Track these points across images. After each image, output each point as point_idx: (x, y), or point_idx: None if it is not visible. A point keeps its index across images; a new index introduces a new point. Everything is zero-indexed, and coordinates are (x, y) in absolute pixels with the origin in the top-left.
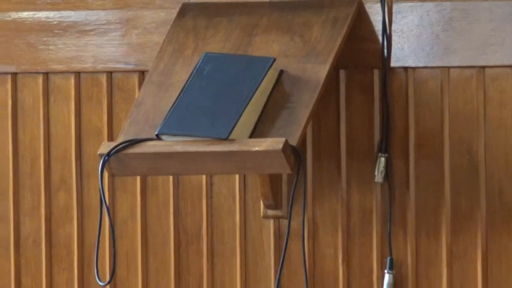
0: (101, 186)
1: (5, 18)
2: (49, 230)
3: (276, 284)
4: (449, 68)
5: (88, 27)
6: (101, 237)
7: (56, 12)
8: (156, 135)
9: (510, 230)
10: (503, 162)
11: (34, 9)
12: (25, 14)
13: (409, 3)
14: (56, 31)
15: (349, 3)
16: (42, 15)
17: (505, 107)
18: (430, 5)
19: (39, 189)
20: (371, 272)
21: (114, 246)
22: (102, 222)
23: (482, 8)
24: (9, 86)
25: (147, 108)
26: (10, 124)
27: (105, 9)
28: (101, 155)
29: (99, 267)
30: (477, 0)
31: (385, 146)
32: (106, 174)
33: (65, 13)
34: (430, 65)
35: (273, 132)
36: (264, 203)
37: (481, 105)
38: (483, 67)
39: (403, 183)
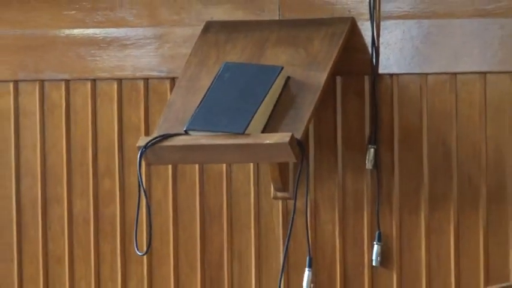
0: (139, 173)
1: (60, 34)
2: (96, 209)
3: (284, 253)
4: (427, 74)
5: (128, 42)
6: (139, 215)
7: (101, 29)
8: (185, 130)
9: (477, 208)
10: (471, 153)
11: (83, 27)
12: (76, 31)
13: (394, 21)
14: (102, 45)
15: (344, 21)
16: (90, 31)
17: (473, 106)
18: (411, 22)
19: (88, 175)
20: (362, 243)
21: (150, 222)
22: (140, 202)
23: (454, 25)
24: (63, 90)
25: (177, 108)
26: (64, 122)
27: (142, 26)
28: (139, 147)
29: (137, 240)
30: (450, 18)
31: (374, 139)
32: (143, 163)
33: (108, 30)
34: (411, 72)
35: (281, 128)
36: (274, 187)
37: (453, 105)
38: (455, 73)
39: (389, 169)
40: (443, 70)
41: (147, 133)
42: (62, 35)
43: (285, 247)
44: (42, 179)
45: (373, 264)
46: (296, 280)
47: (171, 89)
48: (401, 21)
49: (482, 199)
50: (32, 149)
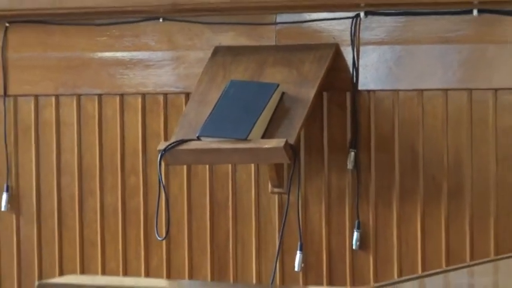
0: (159, 172)
1: (94, 57)
2: (123, 202)
3: (279, 238)
4: (398, 90)
5: (150, 63)
6: (159, 207)
7: (128, 53)
8: (197, 137)
9: (439, 202)
10: (435, 156)
11: (113, 51)
12: (107, 54)
13: (371, 46)
14: (128, 65)
15: (330, 47)
16: (118, 54)
17: (437, 117)
18: (385, 47)
19: (117, 173)
20: (344, 231)
21: (168, 213)
22: (160, 196)
23: (421, 50)
24: (96, 103)
25: (191, 118)
26: (97, 129)
27: (161, 50)
28: (159, 151)
29: (158, 228)
30: (417, 44)
31: (354, 144)
32: (163, 163)
33: (134, 53)
34: (385, 88)
35: (277, 134)
36: (271, 183)
37: (420, 117)
38: (422, 90)
39: (367, 169)
40: (411, 87)
41: (166, 139)
42: (96, 57)
43: (280, 233)
44: (79, 177)
45: (353, 248)
46: (289, 261)
47: (186, 102)
48: (377, 46)
49: (444, 194)
50: (71, 152)
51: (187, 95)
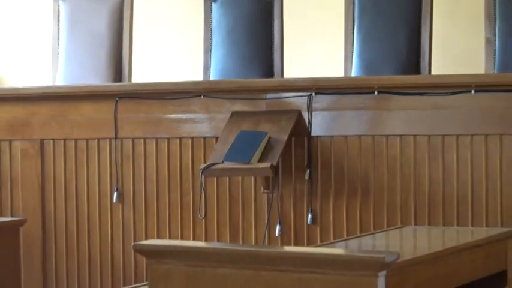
0: (201, 180)
1: (165, 116)
2: (181, 198)
3: (267, 218)
4: (332, 136)
5: (196, 120)
6: (201, 200)
7: (183, 114)
8: (222, 161)
9: (356, 197)
10: (353, 171)
11: (175, 113)
12: (172, 115)
13: (319, 111)
14: (184, 121)
15: (295, 111)
16: (179, 115)
17: (355, 150)
18: (325, 112)
19: (176, 181)
20: (303, 214)
21: (205, 204)
22: (201, 194)
23: (345, 114)
24: (166, 143)
25: (219, 151)
26: (167, 157)
27: (202, 113)
28: (201, 169)
29: (200, 212)
30: (343, 110)
31: (309, 165)
32: (203, 176)
33: (187, 115)
34: (326, 135)
35: (266, 159)
36: (262, 187)
37: (345, 150)
38: (346, 136)
39: (315, 179)
40: (340, 134)
41: (204, 162)
42: (166, 116)
43: (268, 215)
44: (156, 183)
45: (308, 223)
46: (272, 230)
47: (216, 142)
48: (321, 111)
49: (359, 193)
50: (151, 170)
51: (217, 138)
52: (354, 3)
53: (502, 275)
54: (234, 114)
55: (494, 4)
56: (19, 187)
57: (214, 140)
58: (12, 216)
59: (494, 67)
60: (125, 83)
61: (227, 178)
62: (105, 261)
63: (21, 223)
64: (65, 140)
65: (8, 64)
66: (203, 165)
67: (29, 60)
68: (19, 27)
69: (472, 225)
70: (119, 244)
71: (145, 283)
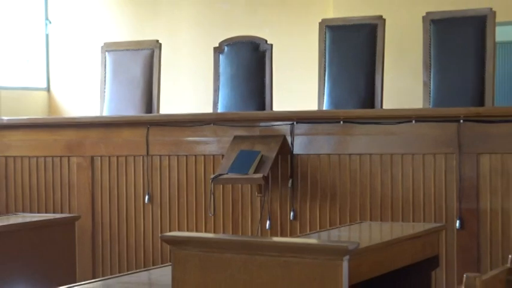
0: (211, 186)
1: (184, 139)
2: (197, 199)
3: (260, 214)
4: (309, 154)
5: (208, 142)
6: (211, 201)
7: (198, 137)
8: (227, 172)
9: (326, 199)
10: (324, 179)
11: (192, 137)
12: (190, 138)
13: (299, 136)
14: (197, 143)
15: (281, 136)
16: (195, 138)
17: (325, 164)
18: (304, 136)
19: (193, 185)
20: (287, 212)
21: (214, 204)
22: (211, 197)
23: (319, 138)
24: (185, 159)
25: (224, 165)
26: (185, 169)
27: (212, 137)
28: (211, 178)
29: (210, 210)
30: (316, 135)
31: (291, 176)
32: (212, 184)
33: (201, 138)
34: (305, 153)
35: (259, 171)
36: (257, 192)
37: (318, 164)
38: (319, 154)
39: (296, 187)
40: (315, 152)
41: (213, 173)
42: (185, 139)
43: (260, 213)
44: (178, 188)
45: (291, 219)
46: (264, 225)
47: (222, 159)
48: (301, 136)
49: (328, 196)
50: (174, 178)
51: (222, 156)
52: (325, 56)
53: (435, 258)
54: (236, 137)
55: (430, 56)
56: (75, 191)
57: (220, 157)
58: (69, 213)
59: (430, 103)
60: (154, 114)
61: (230, 185)
62: (139, 247)
63: (76, 218)
64: (109, 156)
65: (65, 97)
66: (212, 176)
67: (82, 95)
68: (73, 70)
69: (413, 221)
70: (149, 234)
71: (169, 263)
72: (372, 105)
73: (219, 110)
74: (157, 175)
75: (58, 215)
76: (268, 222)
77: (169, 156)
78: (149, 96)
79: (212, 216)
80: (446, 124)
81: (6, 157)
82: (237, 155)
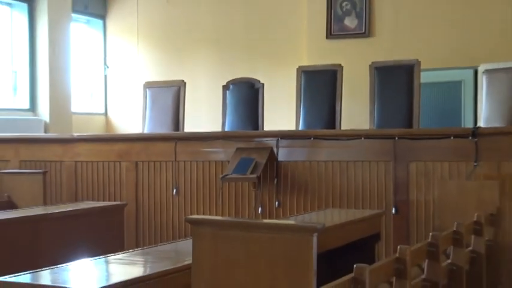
0: (220, 184)
1: (200, 150)
2: (210, 193)
3: (254, 204)
4: (289, 161)
5: (218, 151)
6: (220, 195)
7: (210, 148)
8: (231, 173)
9: (308, 193)
10: (304, 179)
11: (205, 148)
12: (205, 149)
13: (283, 148)
14: (210, 152)
15: (270, 148)
16: (208, 149)
17: (306, 169)
18: (287, 148)
19: (208, 184)
20: (273, 202)
21: (222, 196)
22: (220, 192)
23: (296, 150)
24: (202, 164)
25: (229, 168)
26: (202, 171)
27: (221, 148)
28: (220, 178)
29: (218, 201)
30: (295, 148)
31: (276, 176)
32: (221, 182)
33: (213, 149)
34: (288, 160)
35: (254, 172)
36: (252, 187)
37: (302, 168)
38: (304, 161)
39: (280, 184)
40: (293, 160)
41: (222, 174)
42: (201, 150)
43: (254, 203)
44: (197, 185)
45: (276, 207)
46: (257, 211)
47: (228, 164)
48: (284, 148)
49: (307, 191)
50: (195, 176)
51: (228, 162)
52: (300, 92)
53: (377, 235)
54: (238, 149)
55: (374, 92)
56: (124, 186)
57: (227, 162)
58: (120, 201)
59: (374, 125)
60: (180, 132)
61: (234, 183)
62: (169, 227)
63: (124, 205)
64: (148, 161)
65: (118, 120)
66: (221, 176)
67: (130, 118)
68: (124, 100)
69: (362, 208)
70: (176, 217)
71: (190, 237)
72: (333, 126)
73: (226, 129)
74: (182, 175)
75: (112, 203)
76: (260, 209)
77: (190, 162)
78: (177, 119)
79: (221, 205)
80: (386, 140)
81: (75, 162)
82: (238, 161)
